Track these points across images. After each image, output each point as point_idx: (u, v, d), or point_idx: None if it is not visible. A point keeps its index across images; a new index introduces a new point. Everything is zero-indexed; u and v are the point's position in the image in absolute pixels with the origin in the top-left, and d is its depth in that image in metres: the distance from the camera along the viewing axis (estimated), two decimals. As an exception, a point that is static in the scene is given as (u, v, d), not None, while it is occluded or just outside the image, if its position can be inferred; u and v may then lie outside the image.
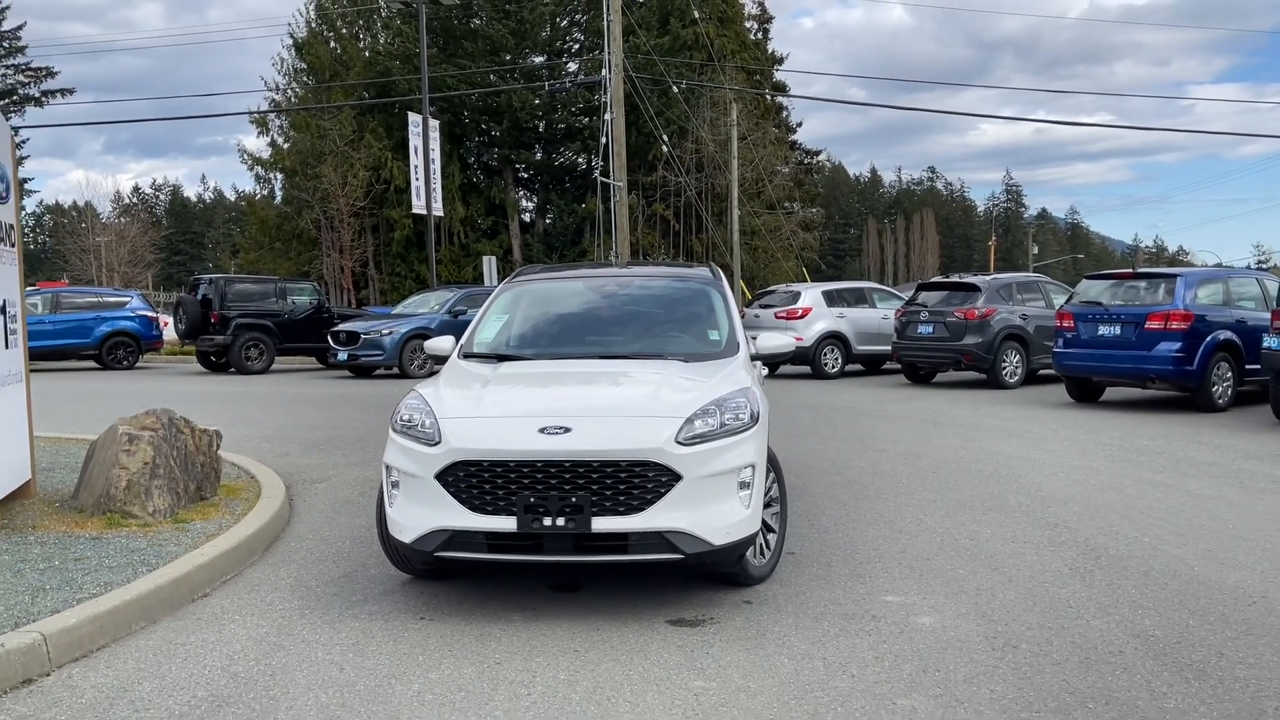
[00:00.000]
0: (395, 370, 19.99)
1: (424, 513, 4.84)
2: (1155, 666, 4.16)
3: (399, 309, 22.73)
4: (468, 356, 6.17)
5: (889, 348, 18.43)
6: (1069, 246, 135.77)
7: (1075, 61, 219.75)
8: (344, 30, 42.97)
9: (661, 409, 4.96)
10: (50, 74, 57.29)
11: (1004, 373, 16.26)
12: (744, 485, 4.92)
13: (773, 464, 5.56)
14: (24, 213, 7.54)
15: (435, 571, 5.40)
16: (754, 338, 6.52)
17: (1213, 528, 6.56)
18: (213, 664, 4.32)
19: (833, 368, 19.04)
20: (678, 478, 4.71)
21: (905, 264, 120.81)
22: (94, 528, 6.21)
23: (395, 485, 5.03)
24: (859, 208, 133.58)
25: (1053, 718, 3.69)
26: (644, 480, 4.70)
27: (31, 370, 7.46)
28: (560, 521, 4.66)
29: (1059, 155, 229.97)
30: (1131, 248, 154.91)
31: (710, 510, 4.77)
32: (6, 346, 6.67)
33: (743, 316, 19.95)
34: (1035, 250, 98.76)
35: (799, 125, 56.73)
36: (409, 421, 5.09)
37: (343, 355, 20.25)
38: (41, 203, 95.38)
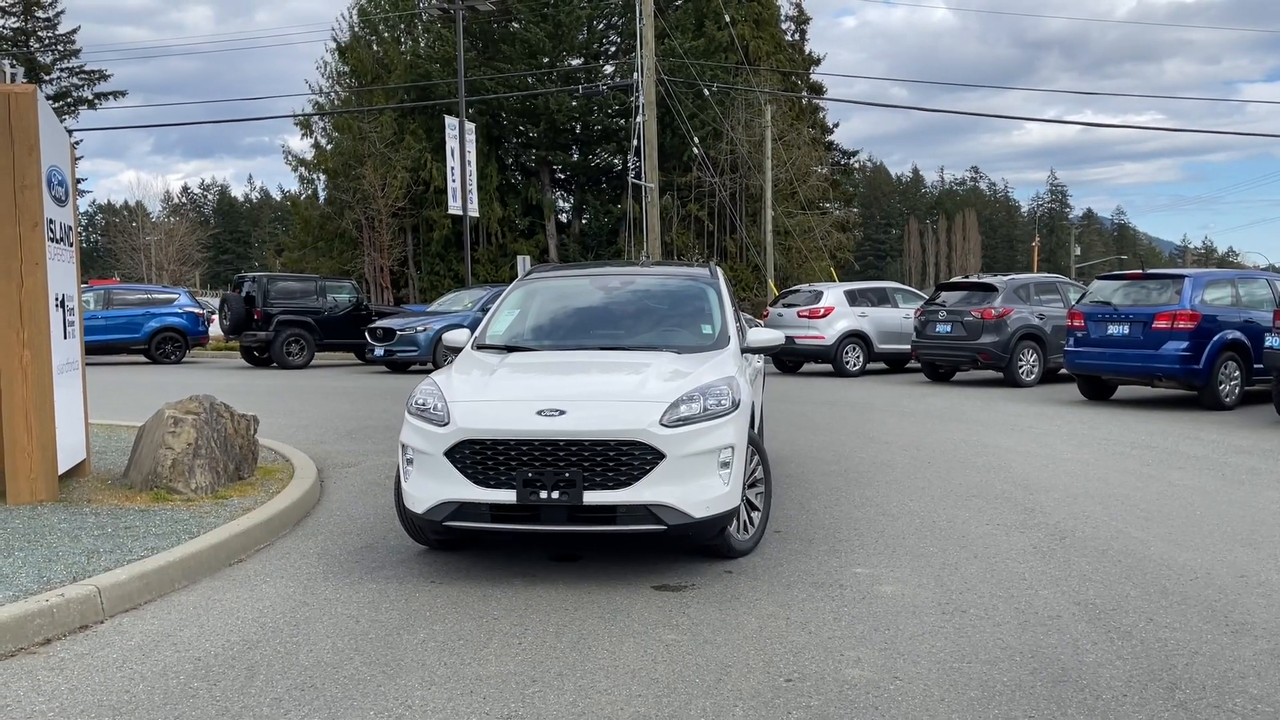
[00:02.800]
0: (430, 365, 20.63)
1: (434, 486, 5.39)
2: (1086, 629, 4.60)
3: (434, 307, 23.44)
4: (481, 348, 6.72)
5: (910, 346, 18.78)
6: (1115, 248, 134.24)
7: (1123, 60, 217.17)
8: (385, 34, 43.85)
9: (649, 394, 5.47)
10: (103, 76, 58.95)
11: (1020, 371, 16.57)
12: (724, 464, 5.41)
13: (757, 448, 6.06)
14: (78, 212, 8.22)
15: (446, 542, 5.94)
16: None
17: (1181, 514, 6.94)
18: (245, 616, 4.89)
19: (854, 366, 19.41)
20: (661, 456, 5.21)
21: (947, 265, 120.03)
22: (142, 501, 6.84)
23: (410, 462, 5.58)
24: (900, 208, 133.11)
25: (981, 668, 4.15)
26: (631, 458, 5.21)
27: (86, 363, 8.13)
28: (555, 495, 5.19)
29: (1106, 155, 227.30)
30: (1180, 248, 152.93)
31: (692, 486, 5.28)
32: (65, 337, 7.32)
33: (766, 316, 20.43)
34: (1078, 251, 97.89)
35: (835, 126, 56.88)
36: (422, 405, 5.64)
37: (379, 351, 20.99)
38: (94, 202, 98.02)
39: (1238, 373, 13.02)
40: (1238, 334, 12.94)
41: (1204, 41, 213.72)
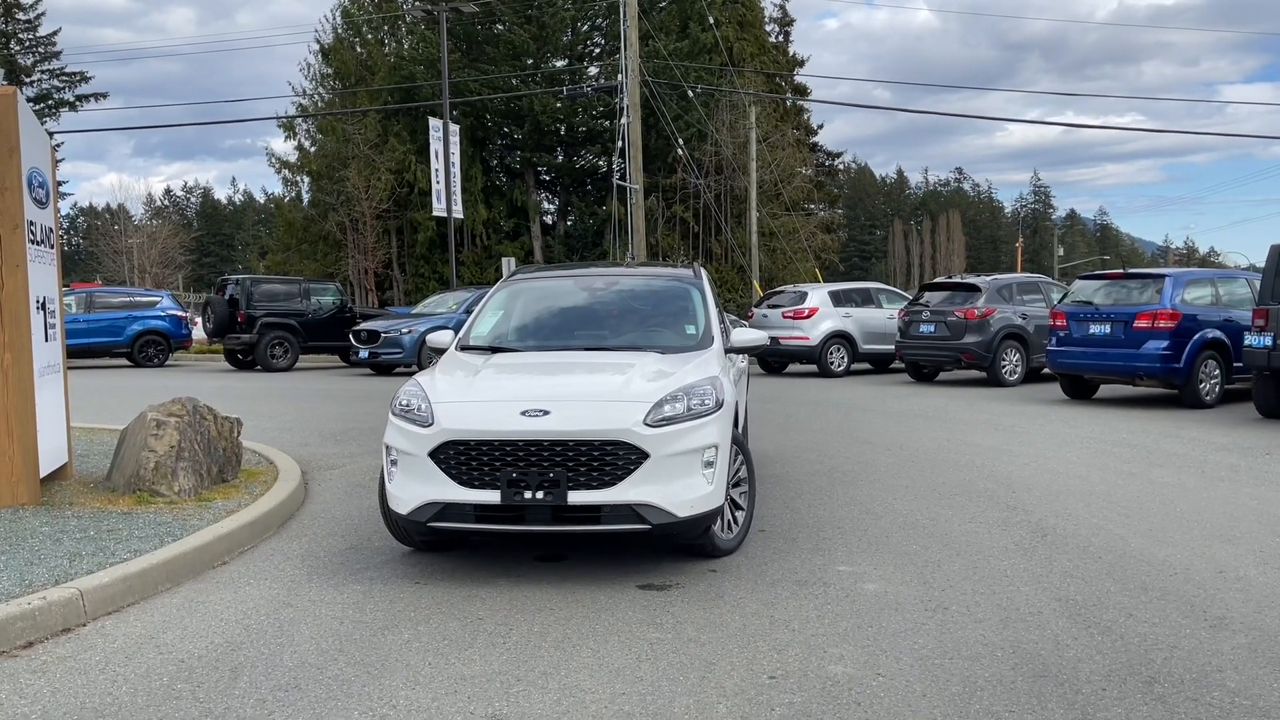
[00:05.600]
0: (414, 368, 20.60)
1: (419, 487, 5.39)
2: (1067, 624, 4.64)
3: (419, 309, 23.40)
4: (464, 349, 6.72)
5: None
6: (1098, 248, 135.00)
7: (1103, 62, 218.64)
8: (369, 36, 43.75)
9: (633, 394, 5.49)
10: (84, 78, 58.55)
11: (1004, 371, 16.66)
12: (708, 464, 5.43)
13: (741, 447, 6.08)
14: (59, 215, 8.21)
15: (431, 543, 5.94)
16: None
17: (1161, 510, 7.00)
18: (228, 618, 4.88)
19: (839, 366, 19.48)
20: (645, 456, 5.23)
21: (931, 265, 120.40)
22: (125, 504, 6.81)
23: (394, 463, 5.58)
24: (885, 209, 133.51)
25: (963, 664, 4.18)
26: (615, 458, 5.22)
27: (67, 367, 8.09)
28: (540, 495, 5.20)
29: (1088, 156, 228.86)
30: (1162, 249, 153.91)
31: (676, 485, 5.29)
32: (46, 340, 7.28)
33: (751, 316, 20.47)
34: (1061, 252, 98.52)
35: (820, 127, 57.03)
36: (406, 406, 5.64)
37: (364, 353, 20.96)
38: (75, 205, 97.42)
39: (1218, 371, 13.13)
40: (1218, 333, 13.05)
41: (1183, 43, 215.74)
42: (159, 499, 6.91)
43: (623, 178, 29.59)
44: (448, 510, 5.33)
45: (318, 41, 43.99)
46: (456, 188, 31.06)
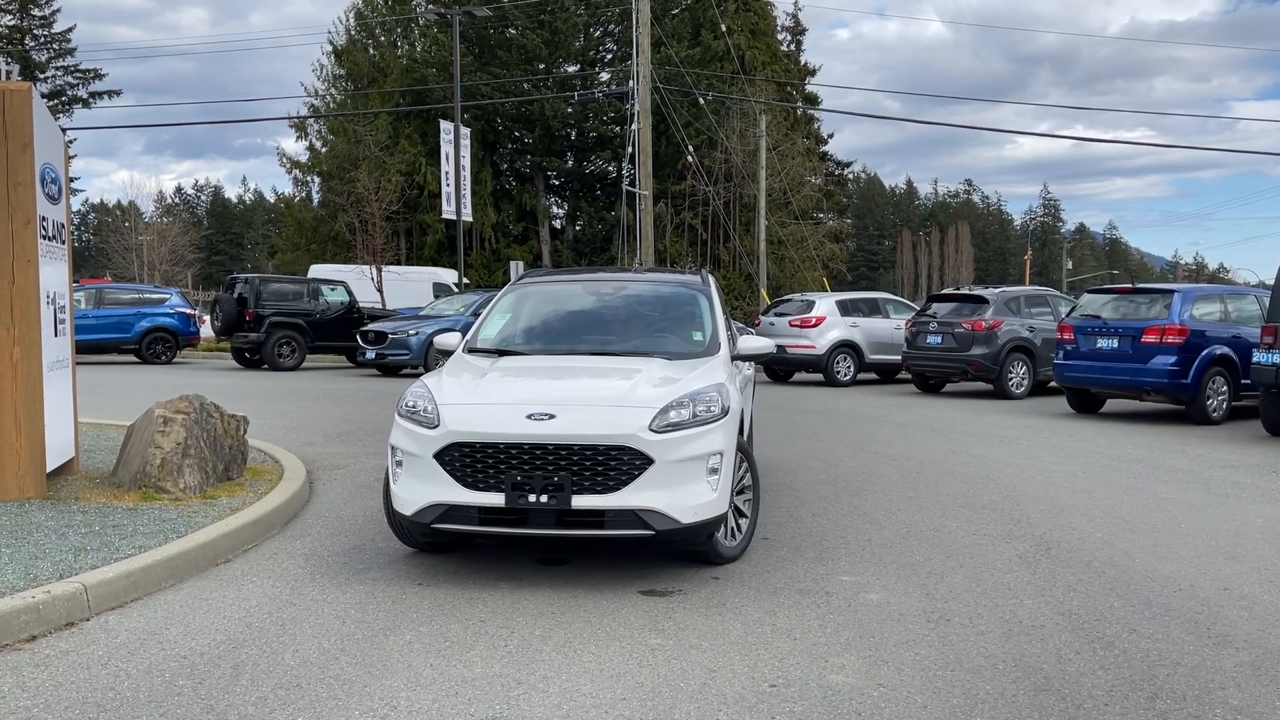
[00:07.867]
0: (421, 369, 20.61)
1: (423, 489, 5.40)
2: (1069, 638, 4.63)
3: (426, 311, 23.44)
4: (472, 351, 6.74)
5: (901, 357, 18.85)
6: (1107, 262, 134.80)
7: (1114, 77, 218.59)
8: (382, 38, 43.96)
9: (639, 400, 5.49)
10: (98, 76, 58.86)
11: (1010, 383, 16.64)
12: (713, 470, 5.43)
13: (746, 455, 6.09)
14: (71, 211, 8.25)
15: (435, 545, 5.95)
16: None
17: (1166, 527, 6.98)
18: (231, 615, 4.89)
19: (845, 376, 19.47)
20: (650, 461, 5.23)
21: (939, 276, 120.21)
22: (130, 500, 6.84)
23: (399, 464, 5.59)
24: (893, 219, 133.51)
25: (965, 675, 4.17)
26: (620, 463, 5.23)
27: (76, 362, 8.12)
28: (544, 498, 5.20)
29: (1097, 170, 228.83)
30: (1171, 264, 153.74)
31: (680, 492, 5.29)
32: (55, 335, 7.31)
33: (758, 324, 20.47)
34: (1069, 265, 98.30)
35: (830, 136, 57.20)
36: (413, 407, 5.65)
37: (371, 354, 21.00)
38: (86, 201, 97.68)
39: (1225, 388, 13.10)
40: (1226, 349, 13.02)
41: (1194, 59, 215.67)
42: (164, 495, 6.93)
43: (632, 183, 29.64)
44: (451, 512, 5.33)
45: (331, 43, 44.29)
46: (466, 191, 31.13)
